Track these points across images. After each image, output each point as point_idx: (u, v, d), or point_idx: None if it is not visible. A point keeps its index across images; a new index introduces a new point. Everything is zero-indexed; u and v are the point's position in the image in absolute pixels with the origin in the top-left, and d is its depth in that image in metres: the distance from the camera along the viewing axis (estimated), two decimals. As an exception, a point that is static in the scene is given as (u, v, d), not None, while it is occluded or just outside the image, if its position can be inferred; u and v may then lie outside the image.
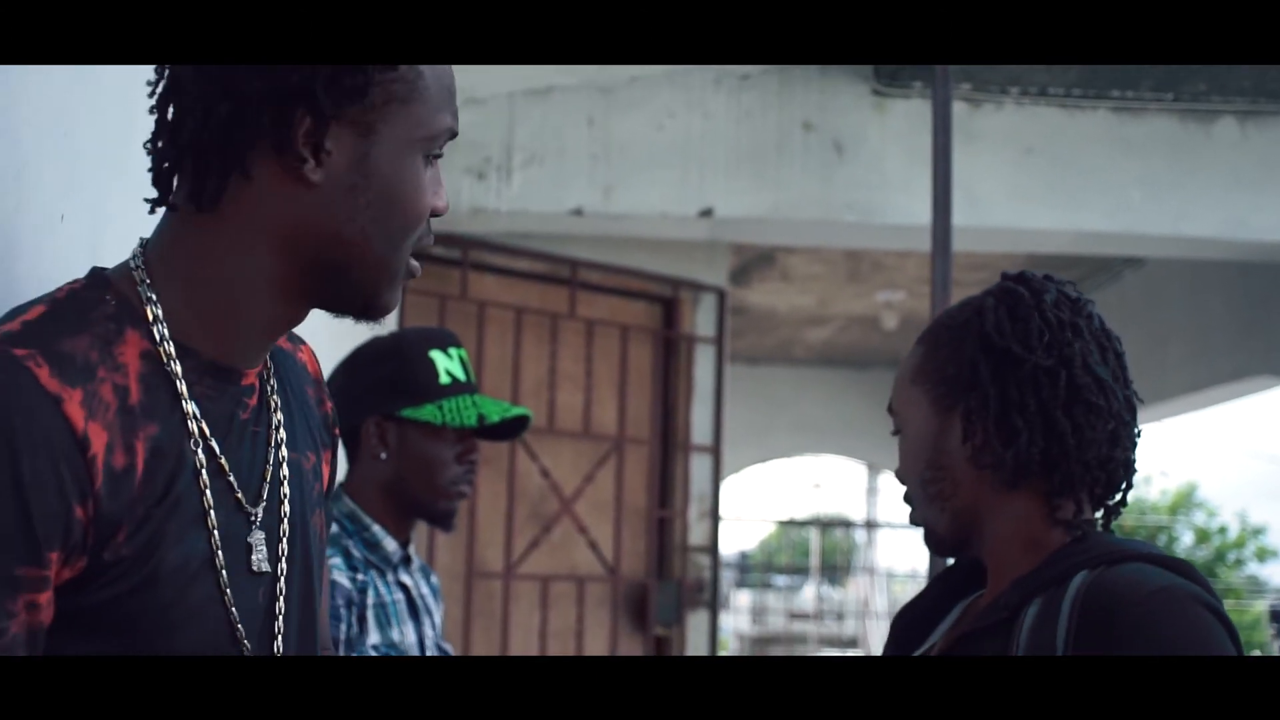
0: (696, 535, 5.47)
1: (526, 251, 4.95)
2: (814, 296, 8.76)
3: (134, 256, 1.17)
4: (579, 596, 5.09)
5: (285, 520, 1.25)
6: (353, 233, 1.15)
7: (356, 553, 2.33)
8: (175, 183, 1.16)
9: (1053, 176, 4.62)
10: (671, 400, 5.51)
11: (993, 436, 1.48)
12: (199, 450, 1.14)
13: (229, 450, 1.18)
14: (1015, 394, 1.47)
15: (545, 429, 5.03)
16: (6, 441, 1.00)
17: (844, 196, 4.53)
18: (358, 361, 2.46)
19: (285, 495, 1.25)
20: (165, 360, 1.12)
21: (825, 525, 24.37)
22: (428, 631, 2.45)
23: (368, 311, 1.21)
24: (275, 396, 1.27)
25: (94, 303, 1.12)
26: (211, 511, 1.14)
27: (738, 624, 21.48)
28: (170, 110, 1.15)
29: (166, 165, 1.15)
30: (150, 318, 1.12)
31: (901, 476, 1.61)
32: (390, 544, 2.37)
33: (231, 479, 1.17)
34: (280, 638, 1.22)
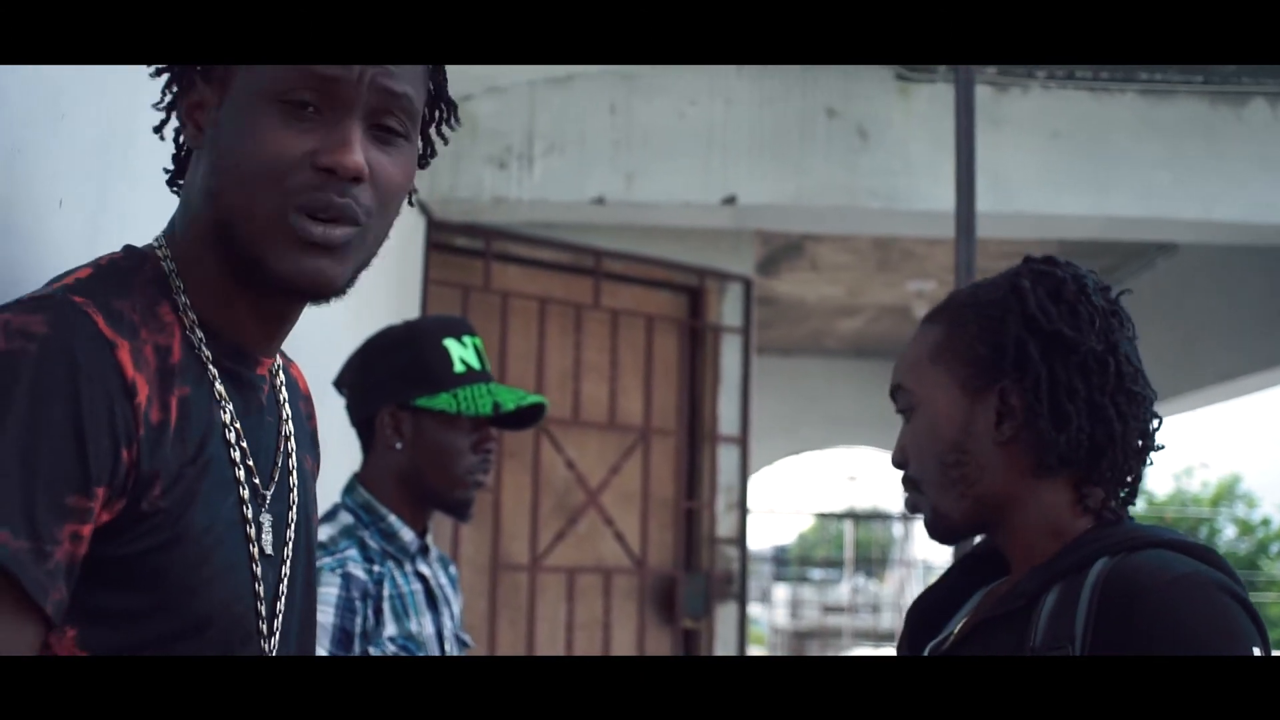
0: (724, 527, 5.43)
1: (550, 241, 4.93)
2: (844, 286, 8.70)
3: (161, 234, 1.24)
4: (605, 589, 5.06)
5: (294, 509, 1.29)
6: (219, 188, 1.17)
7: (373, 543, 2.31)
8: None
9: (1081, 161, 4.56)
10: (698, 391, 5.47)
11: (1045, 421, 1.44)
12: (227, 419, 1.20)
13: (248, 430, 1.23)
14: (1065, 378, 1.45)
15: (570, 420, 5.00)
16: (70, 376, 1.04)
17: (868, 183, 4.48)
18: (372, 351, 2.43)
19: (294, 485, 1.30)
20: (190, 329, 1.18)
21: (860, 518, 24.27)
22: (446, 622, 2.42)
23: (272, 281, 1.17)
24: (285, 391, 1.34)
25: (133, 271, 1.18)
26: (240, 478, 1.20)
27: (775, 618, 21.44)
28: None
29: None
30: (174, 289, 1.19)
31: (912, 459, 1.55)
32: (407, 534, 2.35)
33: (250, 461, 1.22)
34: (280, 619, 1.25)
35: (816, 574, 26.53)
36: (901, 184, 4.49)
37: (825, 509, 29.38)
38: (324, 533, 2.30)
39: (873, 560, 24.86)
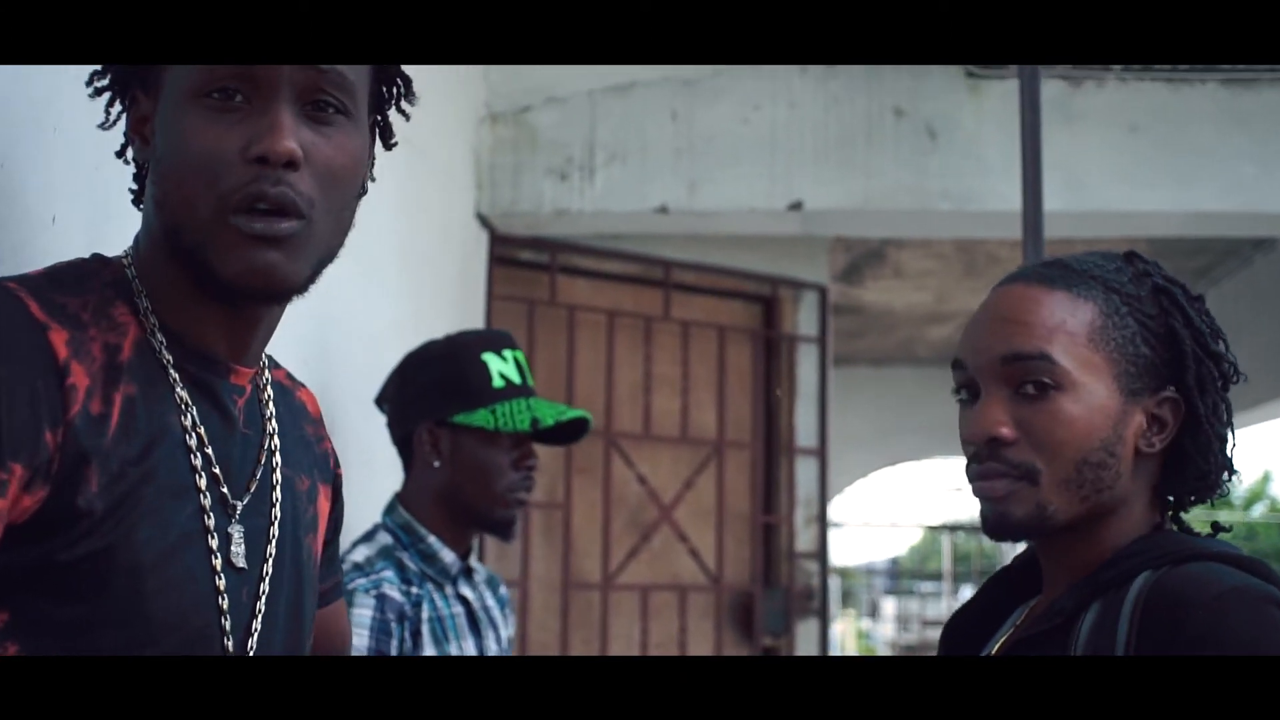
0: (804, 541, 5.32)
1: (618, 253, 4.86)
2: (930, 293, 8.56)
3: (129, 248, 1.23)
4: (681, 607, 4.97)
5: (275, 524, 1.25)
6: (161, 197, 1.15)
7: (412, 565, 2.26)
8: None
9: (1161, 155, 4.39)
10: (774, 402, 5.37)
11: (1190, 441, 1.38)
12: (188, 424, 1.16)
13: (215, 440, 1.19)
14: (1212, 402, 1.39)
15: (642, 434, 4.93)
16: None
17: (939, 184, 4.34)
18: (409, 367, 2.40)
19: (277, 500, 1.27)
20: (151, 332, 1.16)
21: (958, 530, 23.96)
22: (490, 645, 2.37)
23: (224, 284, 1.15)
24: (272, 406, 1.30)
25: (92, 274, 1.17)
26: (201, 486, 1.16)
27: (886, 632, 21.28)
28: None
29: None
30: (135, 292, 1.17)
31: (1037, 445, 1.35)
32: (448, 555, 2.30)
33: (216, 469, 1.19)
34: (256, 636, 1.21)
35: (926, 587, 26.25)
36: (974, 185, 4.35)
37: (929, 521, 29.04)
38: (360, 553, 2.26)
39: (974, 573, 24.54)
